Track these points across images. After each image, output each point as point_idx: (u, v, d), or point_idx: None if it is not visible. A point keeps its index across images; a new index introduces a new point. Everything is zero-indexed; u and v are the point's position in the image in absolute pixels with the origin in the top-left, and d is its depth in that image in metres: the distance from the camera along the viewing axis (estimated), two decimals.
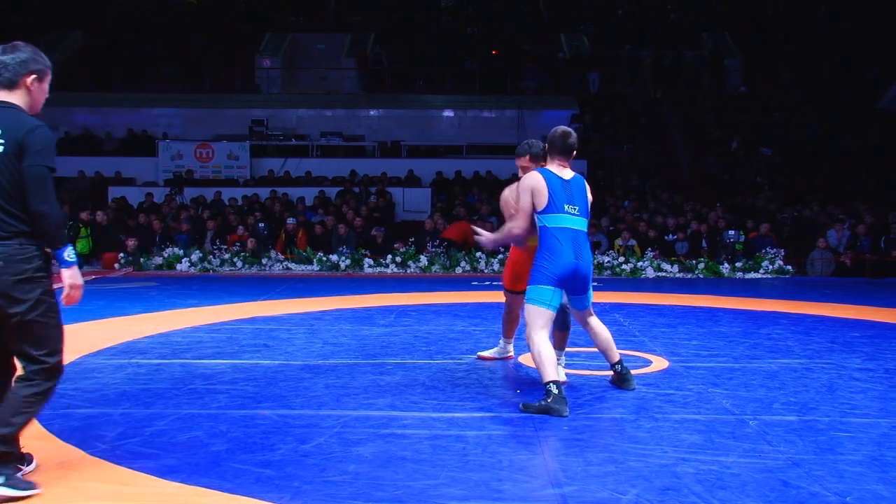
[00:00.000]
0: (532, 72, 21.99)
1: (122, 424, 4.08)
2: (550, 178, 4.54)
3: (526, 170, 4.95)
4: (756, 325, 7.32)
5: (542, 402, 4.27)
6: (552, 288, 4.43)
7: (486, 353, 5.82)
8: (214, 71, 22.44)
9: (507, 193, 5.27)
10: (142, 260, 12.87)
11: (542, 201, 4.49)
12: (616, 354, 4.88)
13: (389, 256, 12.97)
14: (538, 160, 5.03)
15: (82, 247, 13.15)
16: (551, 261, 4.44)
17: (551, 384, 4.26)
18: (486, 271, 12.73)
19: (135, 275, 12.28)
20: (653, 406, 4.48)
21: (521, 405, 4.39)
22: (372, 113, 21.64)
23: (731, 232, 13.44)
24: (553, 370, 4.32)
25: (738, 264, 12.65)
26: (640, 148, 19.17)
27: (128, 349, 6.09)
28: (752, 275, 12.48)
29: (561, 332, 5.09)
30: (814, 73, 21.59)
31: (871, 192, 16.46)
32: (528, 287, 4.53)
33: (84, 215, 13.68)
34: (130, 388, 4.84)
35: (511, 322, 5.68)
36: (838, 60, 21.70)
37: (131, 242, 13.08)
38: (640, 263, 12.33)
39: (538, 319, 4.41)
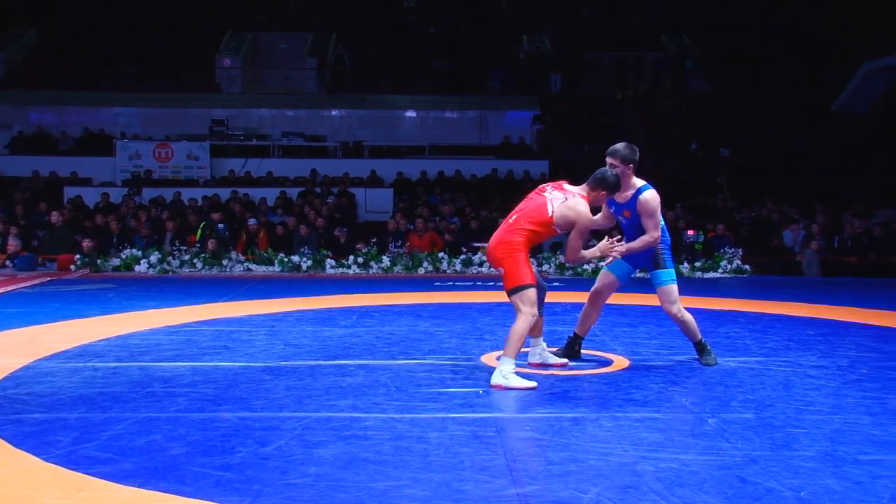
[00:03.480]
0: (495, 73, 22.06)
1: (77, 429, 4.01)
2: None
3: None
4: (714, 324, 7.42)
5: (710, 357, 5.51)
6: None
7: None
8: (174, 70, 22.14)
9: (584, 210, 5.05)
10: (99, 261, 12.66)
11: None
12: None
13: (351, 257, 12.92)
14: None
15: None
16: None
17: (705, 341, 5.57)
18: (448, 272, 12.74)
19: (91, 276, 12.08)
20: (613, 405, 4.53)
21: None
22: (334, 113, 21.53)
23: (691, 232, 13.62)
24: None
25: (698, 264, 12.84)
26: (603, 149, 19.30)
27: (84, 352, 5.98)
28: (711, 274, 12.67)
29: (539, 317, 5.32)
30: (771, 74, 21.96)
31: (827, 193, 16.81)
32: (666, 271, 5.39)
33: (217, 216, 14.05)
34: (87, 392, 4.76)
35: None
36: (794, 62, 22.11)
37: (87, 244, 12.86)
38: (600, 263, 12.39)
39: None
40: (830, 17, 22.40)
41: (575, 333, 5.77)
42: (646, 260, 5.49)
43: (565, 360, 5.58)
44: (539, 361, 5.51)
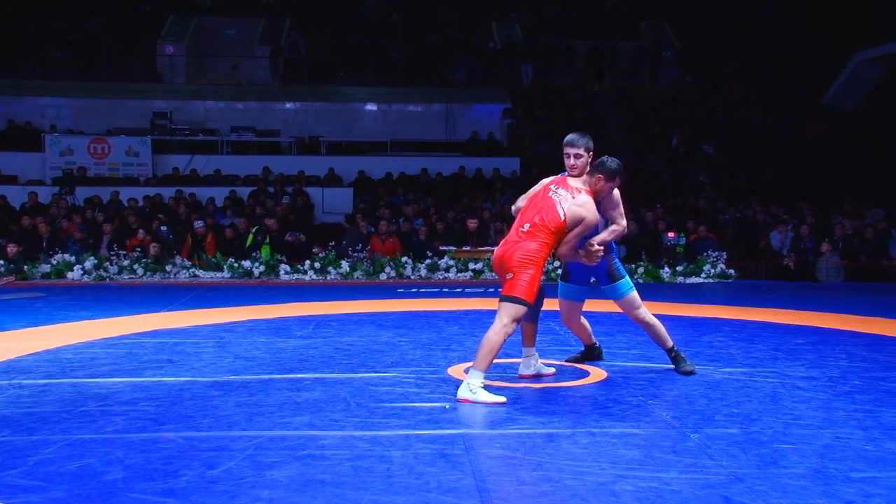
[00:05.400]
0: (462, 63, 22.13)
1: (0, 454, 3.94)
2: None
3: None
4: (697, 333, 7.51)
5: (687, 365, 5.71)
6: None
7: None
8: (110, 57, 21.86)
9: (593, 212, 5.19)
10: (26, 268, 12.47)
11: None
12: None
13: (308, 262, 12.87)
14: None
15: (265, 252, 13.19)
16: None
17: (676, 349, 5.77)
18: (412, 277, 12.74)
19: (17, 284, 11.90)
20: (590, 420, 4.56)
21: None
22: (288, 106, 21.44)
23: (671, 234, 13.76)
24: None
25: (679, 268, 12.97)
26: None
27: (9, 368, 5.88)
28: (694, 279, 12.81)
29: (532, 324, 5.49)
30: (757, 65, 22.26)
31: (815, 192, 17.09)
32: (623, 281, 5.60)
33: (271, 222, 13.89)
34: (11, 413, 4.67)
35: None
36: (783, 52, 22.42)
37: (12, 248, 12.65)
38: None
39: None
40: (820, 3, 22.78)
41: (585, 346, 6.12)
42: (598, 274, 5.67)
43: (553, 370, 5.73)
44: (532, 373, 5.58)
